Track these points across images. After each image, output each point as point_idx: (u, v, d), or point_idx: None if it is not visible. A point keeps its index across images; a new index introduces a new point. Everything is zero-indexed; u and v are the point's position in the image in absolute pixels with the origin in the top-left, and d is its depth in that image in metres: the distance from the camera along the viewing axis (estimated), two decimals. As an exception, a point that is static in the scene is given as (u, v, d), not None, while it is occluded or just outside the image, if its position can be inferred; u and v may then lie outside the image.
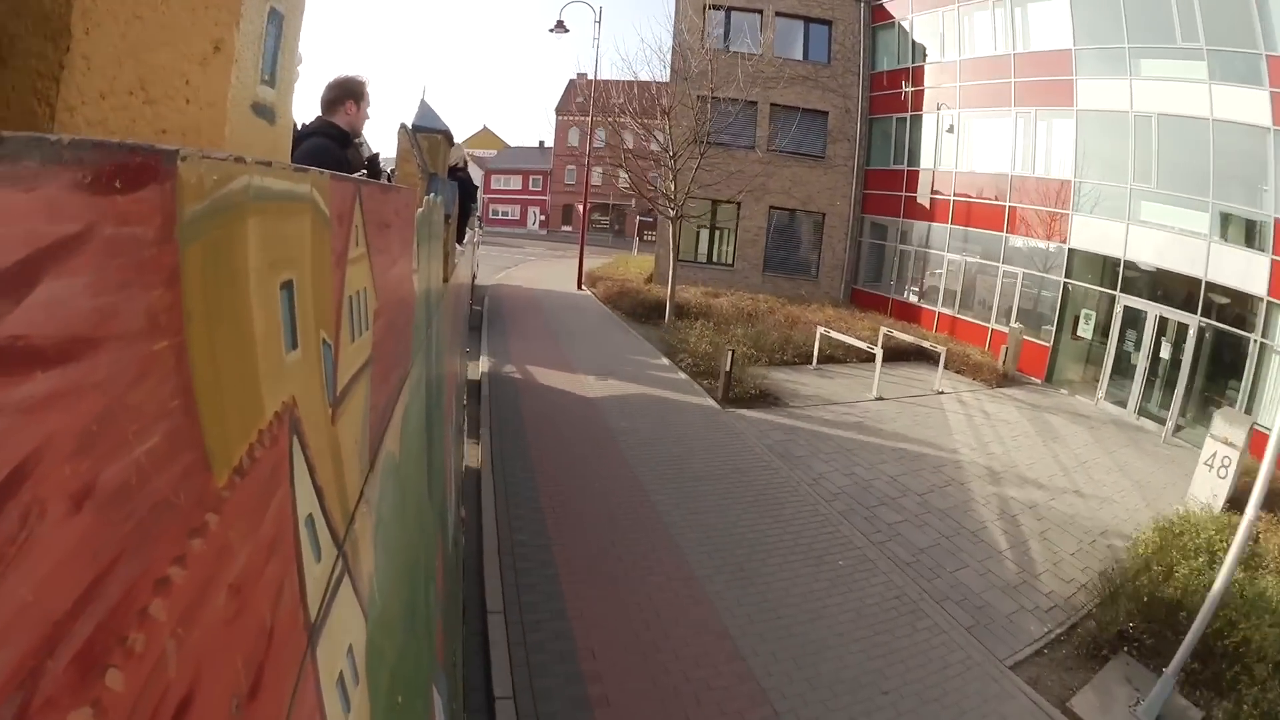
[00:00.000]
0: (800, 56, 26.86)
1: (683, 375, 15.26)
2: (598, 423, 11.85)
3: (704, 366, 15.34)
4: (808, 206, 26.95)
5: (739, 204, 25.80)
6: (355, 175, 3.88)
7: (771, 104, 25.26)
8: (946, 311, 23.18)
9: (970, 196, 22.41)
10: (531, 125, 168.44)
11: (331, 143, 3.69)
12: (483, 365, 14.51)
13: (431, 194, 3.12)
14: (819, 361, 17.13)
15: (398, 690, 1.64)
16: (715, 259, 28.20)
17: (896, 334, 17.76)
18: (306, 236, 0.96)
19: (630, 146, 24.03)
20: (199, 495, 0.61)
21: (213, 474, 0.64)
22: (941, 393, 15.92)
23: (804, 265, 27.90)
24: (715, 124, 20.26)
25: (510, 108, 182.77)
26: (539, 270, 35.38)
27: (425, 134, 3.72)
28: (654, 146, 23.37)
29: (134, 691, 0.49)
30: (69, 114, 0.69)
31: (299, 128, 3.74)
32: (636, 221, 60.30)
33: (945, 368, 16.75)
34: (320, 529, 1.03)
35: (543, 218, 73.64)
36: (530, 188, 74.56)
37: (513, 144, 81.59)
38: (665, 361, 16.40)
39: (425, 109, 4.13)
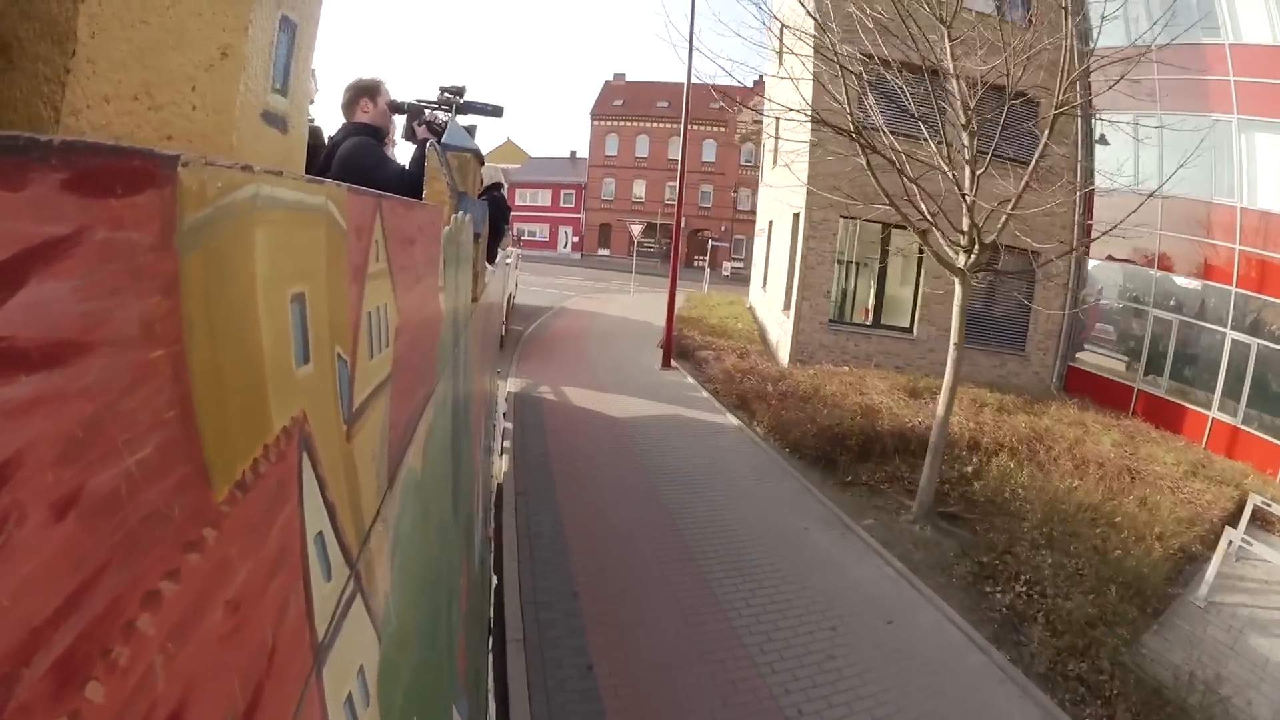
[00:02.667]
0: (993, 10, 15.51)
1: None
2: None
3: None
4: (1017, 240, 15.16)
5: (924, 232, 13.81)
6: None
7: (961, 79, 12.71)
8: (1225, 419, 14.78)
9: (1266, 248, 14.41)
10: (560, 133, 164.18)
11: (368, 137, 3.90)
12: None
13: (460, 212, 3.13)
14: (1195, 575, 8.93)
15: (412, 710, 1.62)
16: (883, 319, 17.96)
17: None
18: (321, 249, 0.95)
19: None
20: (196, 509, 0.60)
21: (212, 487, 0.63)
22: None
23: (1010, 333, 18.02)
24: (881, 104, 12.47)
25: (535, 114, 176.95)
26: (586, 319, 25.37)
27: (455, 153, 3.75)
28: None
29: (116, 706, 0.48)
30: (74, 118, 0.69)
31: (329, 137, 3.95)
32: (709, 245, 52.21)
33: (1265, 526, 10.64)
34: (331, 547, 1.02)
35: (576, 239, 63.51)
36: (561, 204, 64.17)
37: (540, 154, 70.38)
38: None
39: (455, 127, 4.17)
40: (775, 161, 22.23)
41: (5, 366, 0.39)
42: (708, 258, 54.32)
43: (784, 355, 17.85)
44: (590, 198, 62.77)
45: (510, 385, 14.50)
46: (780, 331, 18.98)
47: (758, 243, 29.72)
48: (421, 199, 3.70)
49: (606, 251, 61.53)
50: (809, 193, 15.57)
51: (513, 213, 10.33)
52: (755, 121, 54.82)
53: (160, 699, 0.53)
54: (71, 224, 0.44)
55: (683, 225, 58.71)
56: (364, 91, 3.99)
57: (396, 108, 4.12)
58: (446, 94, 4.22)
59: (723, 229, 58.64)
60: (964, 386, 14.30)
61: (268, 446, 0.76)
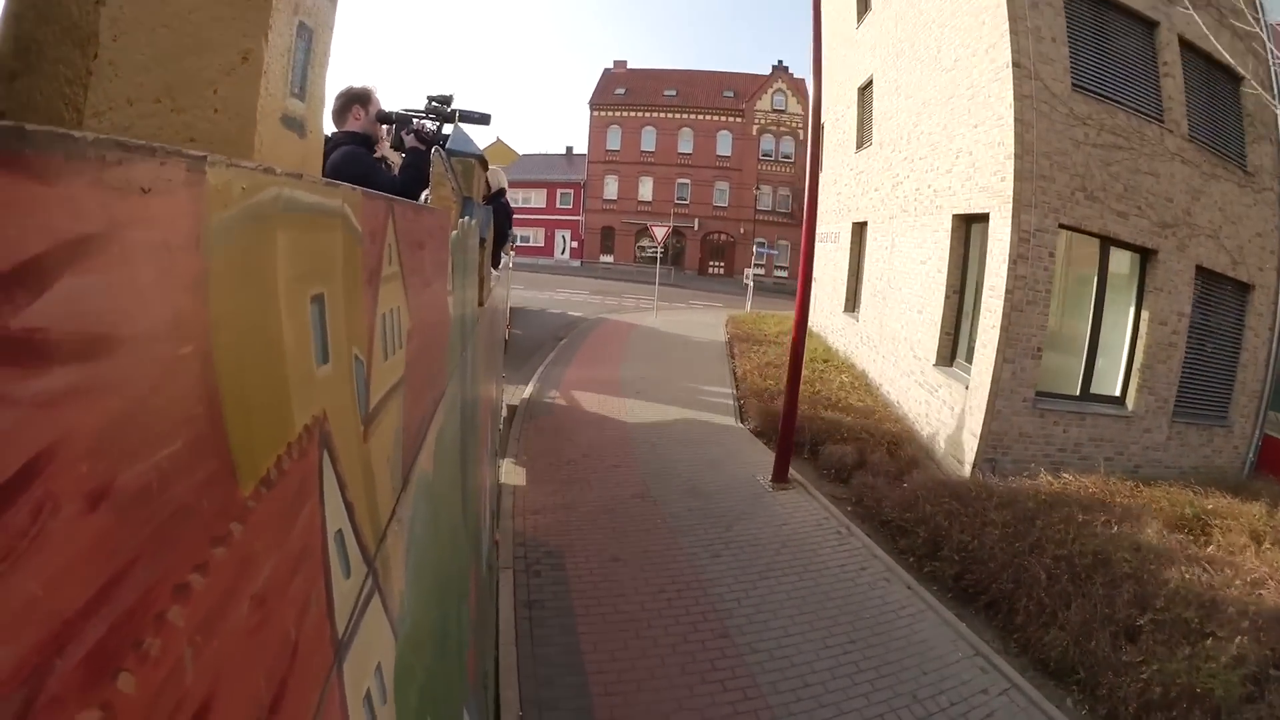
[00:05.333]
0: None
1: None
2: None
3: None
4: (1235, 270, 11.08)
5: (1147, 253, 10.45)
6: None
7: (1180, 38, 10.15)
8: None
9: None
10: (555, 126, 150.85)
11: (358, 146, 3.92)
12: None
13: (466, 217, 3.15)
14: None
15: (427, 710, 1.63)
16: (1091, 388, 10.80)
17: None
18: (338, 251, 0.96)
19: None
20: (223, 504, 0.61)
21: (238, 483, 0.64)
22: None
23: (1216, 399, 11.54)
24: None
25: (525, 105, 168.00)
26: (609, 362, 17.00)
27: (459, 158, 3.77)
28: None
29: (147, 696, 0.48)
30: (96, 119, 0.70)
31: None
32: (740, 251, 45.57)
33: None
34: (350, 545, 1.03)
35: (574, 244, 55.67)
36: (558, 205, 55.86)
37: (533, 150, 57.70)
38: None
39: (459, 133, 4.20)
40: (864, 141, 17.31)
41: (40, 358, 0.39)
42: (709, 263, 51.89)
43: (964, 454, 10.33)
44: (590, 198, 54.76)
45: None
46: (941, 405, 11.47)
47: (821, 251, 20.34)
48: None
49: (610, 258, 54.19)
50: (1017, 187, 9.50)
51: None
52: (776, 111, 53.05)
53: (189, 691, 0.54)
54: (103, 221, 0.45)
55: (696, 227, 52.90)
56: (356, 99, 4.03)
57: (385, 118, 4.13)
58: (435, 103, 4.24)
59: (741, 231, 52.01)
60: (1182, 484, 9.37)
61: (291, 444, 0.77)
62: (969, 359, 10.90)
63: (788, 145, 51.72)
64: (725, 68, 64.19)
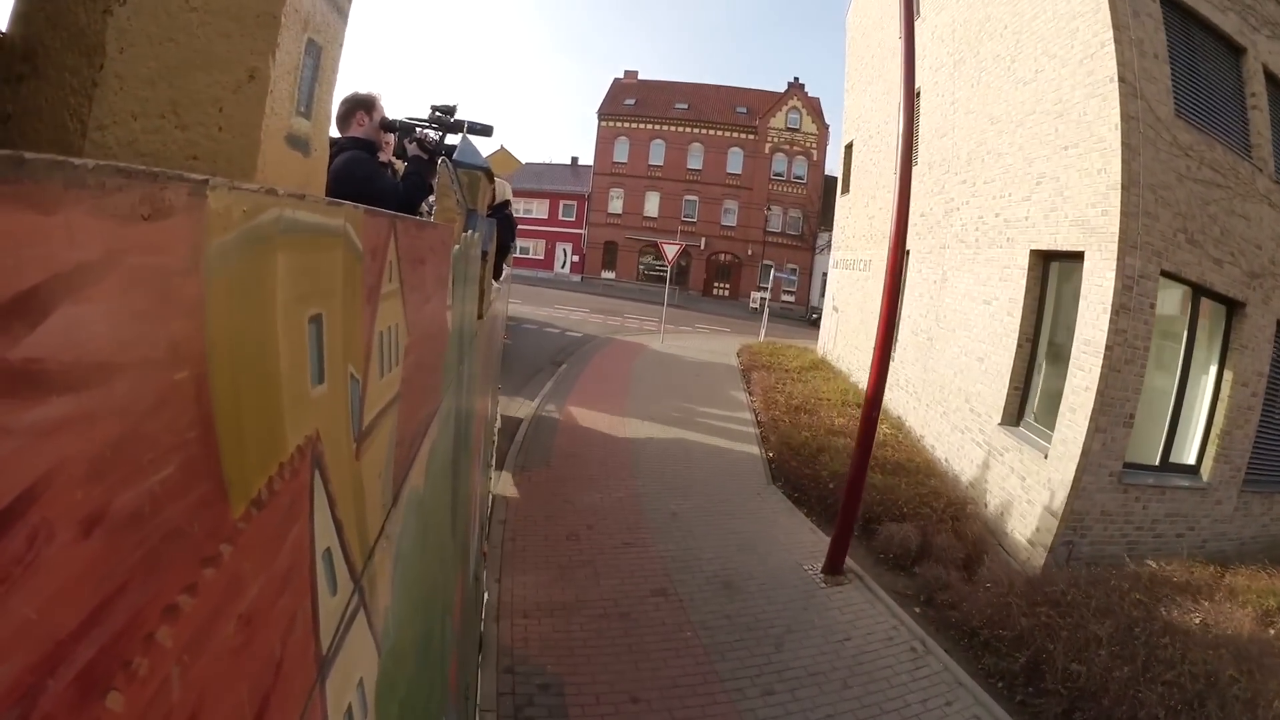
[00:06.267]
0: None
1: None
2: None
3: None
4: None
5: (1234, 305, 9.20)
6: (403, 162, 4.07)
7: (1265, 68, 9.34)
8: None
9: None
10: (560, 136, 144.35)
11: (362, 152, 3.92)
12: None
13: (469, 230, 3.15)
14: None
15: (407, 723, 1.63)
16: (1171, 454, 9.35)
17: None
18: (338, 271, 0.97)
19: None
20: (214, 526, 0.62)
21: (229, 505, 0.65)
22: None
23: (1277, 463, 10.24)
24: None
25: (530, 112, 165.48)
26: (605, 410, 13.88)
27: (465, 170, 3.78)
28: None
29: (135, 714, 0.49)
30: (100, 132, 0.70)
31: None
32: (770, 274, 40.84)
33: None
34: (338, 563, 1.03)
35: (576, 258, 53.33)
36: (561, 216, 53.52)
37: (538, 159, 56.10)
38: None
39: (466, 144, 4.20)
40: (913, 159, 12.92)
41: (36, 389, 0.40)
42: (715, 284, 50.45)
43: (1040, 535, 8.77)
44: (594, 211, 52.53)
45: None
46: (1008, 473, 9.84)
47: (847, 279, 20.53)
48: (415, 214, 3.74)
49: (611, 275, 52.05)
50: (1124, 224, 8.02)
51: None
52: (790, 129, 50.18)
53: (175, 709, 0.54)
54: (102, 249, 0.45)
55: (702, 246, 50.64)
56: (360, 105, 4.04)
57: (388, 125, 4.14)
58: (438, 112, 4.26)
59: (749, 252, 50.32)
60: (1256, 566, 8.49)
61: (283, 465, 0.77)
62: (1039, 419, 9.78)
63: (800, 166, 50.50)
64: (738, 83, 61.81)
